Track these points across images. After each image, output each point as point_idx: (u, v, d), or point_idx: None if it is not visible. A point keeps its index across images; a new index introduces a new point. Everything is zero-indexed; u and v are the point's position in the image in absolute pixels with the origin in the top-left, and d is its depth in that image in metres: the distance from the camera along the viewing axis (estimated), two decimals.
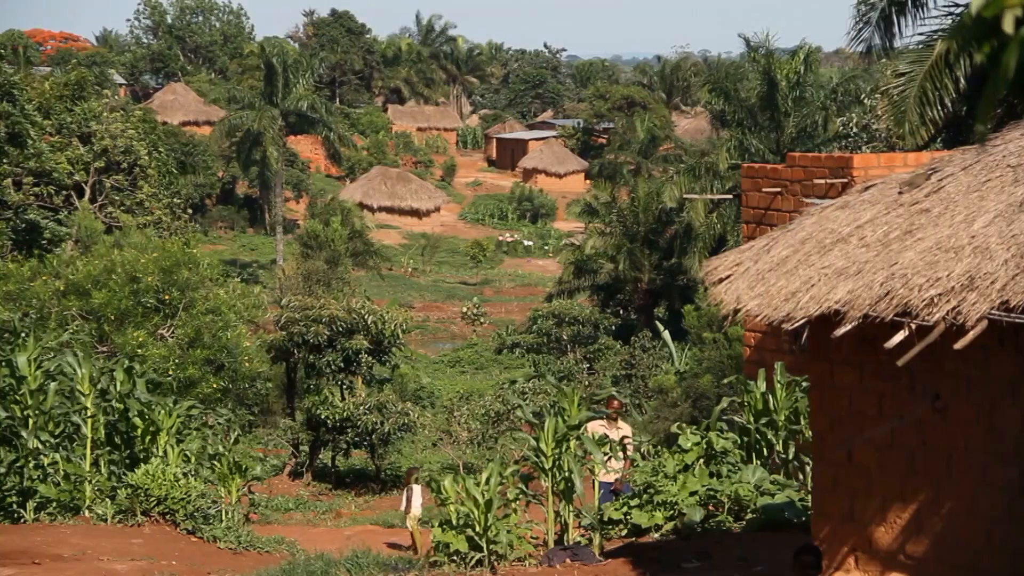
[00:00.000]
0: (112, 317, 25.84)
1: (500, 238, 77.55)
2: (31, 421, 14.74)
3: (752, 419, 13.69)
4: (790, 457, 13.54)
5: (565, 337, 44.50)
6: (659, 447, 14.94)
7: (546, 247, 76.94)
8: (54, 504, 14.83)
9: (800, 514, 12.21)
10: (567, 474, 12.46)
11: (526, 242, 78.08)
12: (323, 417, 26.59)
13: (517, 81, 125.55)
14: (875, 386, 9.12)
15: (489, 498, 12.00)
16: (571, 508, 12.67)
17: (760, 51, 40.03)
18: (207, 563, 13.86)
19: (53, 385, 14.95)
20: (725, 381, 13.78)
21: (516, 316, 57.76)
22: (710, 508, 12.74)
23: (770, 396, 13.58)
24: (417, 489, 19.21)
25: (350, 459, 29.29)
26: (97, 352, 23.30)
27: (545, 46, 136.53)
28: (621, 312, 47.18)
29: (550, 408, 13.03)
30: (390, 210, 78.88)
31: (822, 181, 13.82)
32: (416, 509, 18.94)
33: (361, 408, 26.68)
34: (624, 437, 14.85)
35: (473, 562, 11.92)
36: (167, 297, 26.75)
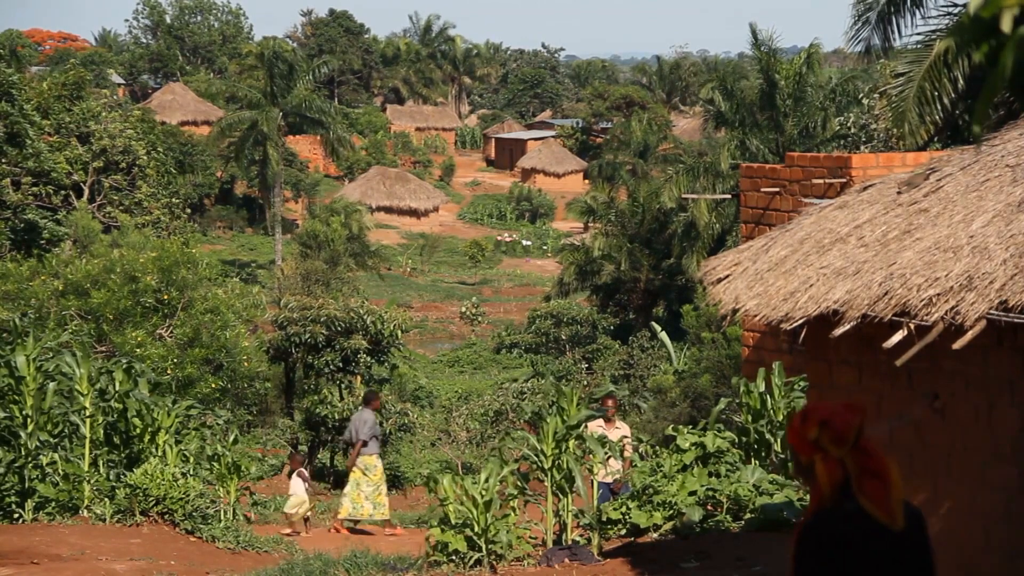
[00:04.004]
0: (111, 317, 25.85)
1: (499, 238, 77.55)
2: (30, 421, 14.74)
3: (750, 419, 13.69)
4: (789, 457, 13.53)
5: (564, 337, 44.50)
6: (657, 447, 14.94)
7: (545, 247, 76.95)
8: (53, 504, 14.82)
9: (799, 514, 12.22)
10: (567, 473, 12.47)
11: (525, 242, 78.09)
12: (322, 417, 26.59)
13: (516, 81, 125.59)
14: (874, 386, 9.12)
15: (488, 498, 12.00)
16: (570, 508, 12.68)
17: (763, 48, 40.02)
18: (206, 563, 13.86)
19: (52, 385, 14.95)
20: (734, 380, 13.78)
21: (515, 316, 57.76)
22: (709, 508, 12.74)
23: (768, 396, 13.58)
24: (299, 478, 19.91)
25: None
26: (96, 352, 23.30)
27: (543, 46, 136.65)
28: (620, 312, 47.20)
29: (549, 408, 13.04)
30: (388, 210, 78.89)
31: (821, 181, 13.82)
32: (300, 493, 19.62)
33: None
34: (623, 437, 14.87)
35: (472, 562, 11.92)
36: (166, 297, 26.76)
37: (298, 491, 19.90)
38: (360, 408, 20.48)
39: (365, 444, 19.29)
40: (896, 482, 4.72)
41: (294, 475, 20.18)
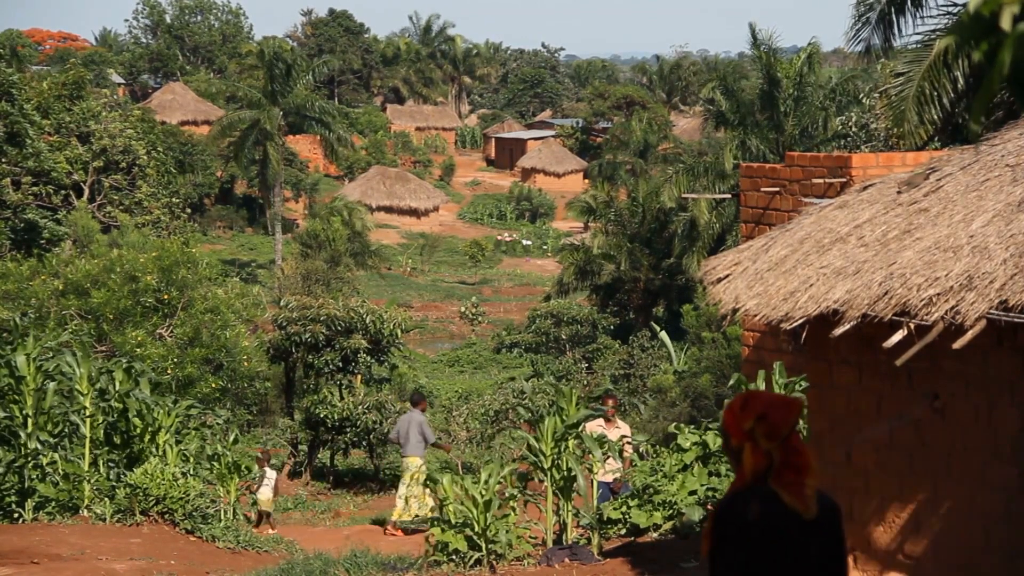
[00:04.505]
0: (111, 316, 25.85)
1: (499, 238, 77.53)
2: (30, 421, 14.74)
3: None
4: None
5: (564, 337, 44.50)
6: (657, 446, 14.93)
7: (544, 247, 76.94)
8: (53, 504, 14.83)
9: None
10: (566, 473, 12.46)
11: (525, 241, 78.08)
12: (322, 416, 26.57)
13: (515, 81, 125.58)
14: (874, 386, 9.12)
15: (488, 498, 12.00)
16: (570, 507, 12.67)
17: (763, 47, 39.99)
18: (206, 563, 13.85)
19: (52, 385, 14.95)
20: (730, 384, 13.78)
21: (515, 316, 57.76)
22: (709, 508, 12.74)
23: None
24: (271, 474, 19.98)
25: (349, 458, 29.29)
26: (96, 352, 23.30)
27: (543, 45, 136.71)
28: (620, 312, 47.19)
29: (549, 407, 13.04)
30: (389, 210, 78.88)
31: (821, 180, 13.80)
32: (264, 492, 19.69)
33: (360, 408, 26.65)
34: (623, 436, 14.86)
35: (472, 561, 11.92)
36: (166, 297, 26.76)
37: (263, 489, 20.03)
38: (409, 410, 20.57)
39: (436, 445, 19.57)
40: (813, 475, 4.95)
41: (269, 472, 20.29)
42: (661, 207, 44.43)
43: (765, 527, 4.88)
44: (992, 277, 7.95)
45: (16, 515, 14.65)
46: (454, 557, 12.02)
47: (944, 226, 8.63)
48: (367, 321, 27.90)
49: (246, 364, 27.23)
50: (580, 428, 12.79)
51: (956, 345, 7.89)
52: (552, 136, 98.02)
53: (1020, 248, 8.01)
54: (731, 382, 13.01)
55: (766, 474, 4.93)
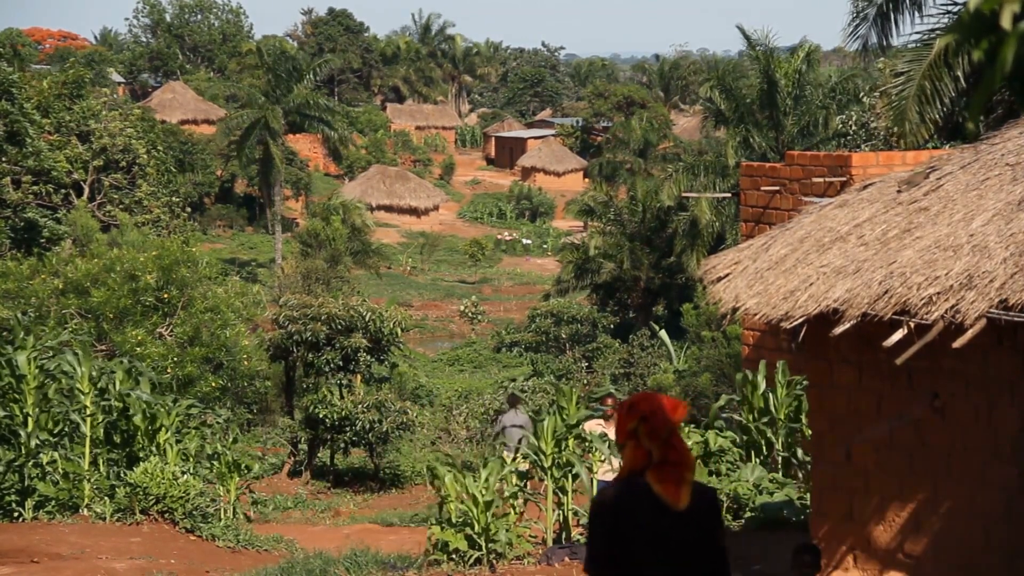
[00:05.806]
0: (111, 316, 25.85)
1: (499, 237, 77.51)
2: (31, 420, 14.73)
3: (752, 417, 13.68)
4: (790, 456, 13.54)
5: (564, 336, 44.50)
6: None
7: (544, 246, 76.93)
8: (53, 503, 14.82)
9: (799, 513, 12.21)
10: (566, 472, 12.46)
11: (525, 241, 78.05)
12: (322, 416, 26.55)
13: (516, 80, 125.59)
14: (874, 385, 9.11)
15: (488, 497, 11.99)
16: (570, 506, 12.67)
17: (759, 48, 39.95)
18: (206, 562, 13.85)
19: (52, 384, 14.95)
20: (738, 376, 13.75)
21: (515, 315, 57.75)
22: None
23: (770, 394, 13.58)
24: None
25: (349, 457, 29.28)
26: (96, 351, 23.30)
27: (543, 44, 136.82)
28: (620, 311, 47.19)
29: (549, 407, 13.04)
30: (389, 209, 78.84)
31: (821, 180, 13.81)
32: None
33: (360, 407, 26.63)
34: None
35: (472, 560, 11.92)
36: (166, 296, 26.76)
37: None
38: (510, 409, 20.39)
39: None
40: (691, 471, 5.39)
41: None
42: (661, 206, 44.41)
43: (634, 515, 5.34)
44: (992, 276, 7.94)
45: (16, 514, 14.65)
46: (454, 556, 12.02)
47: (944, 225, 8.63)
48: (367, 320, 27.90)
49: (246, 363, 27.23)
50: (579, 428, 12.79)
51: (956, 344, 7.88)
52: (552, 135, 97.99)
53: (1020, 247, 8.00)
54: (738, 377, 13.03)
55: (643, 469, 5.35)
